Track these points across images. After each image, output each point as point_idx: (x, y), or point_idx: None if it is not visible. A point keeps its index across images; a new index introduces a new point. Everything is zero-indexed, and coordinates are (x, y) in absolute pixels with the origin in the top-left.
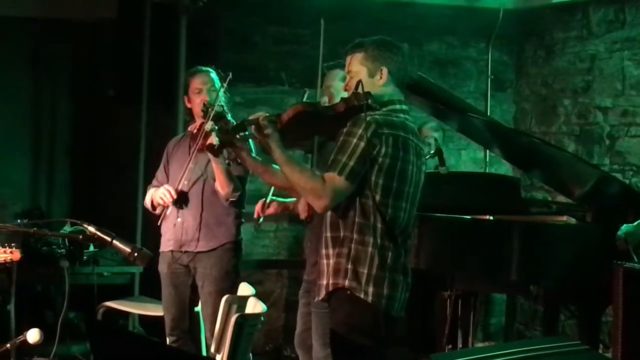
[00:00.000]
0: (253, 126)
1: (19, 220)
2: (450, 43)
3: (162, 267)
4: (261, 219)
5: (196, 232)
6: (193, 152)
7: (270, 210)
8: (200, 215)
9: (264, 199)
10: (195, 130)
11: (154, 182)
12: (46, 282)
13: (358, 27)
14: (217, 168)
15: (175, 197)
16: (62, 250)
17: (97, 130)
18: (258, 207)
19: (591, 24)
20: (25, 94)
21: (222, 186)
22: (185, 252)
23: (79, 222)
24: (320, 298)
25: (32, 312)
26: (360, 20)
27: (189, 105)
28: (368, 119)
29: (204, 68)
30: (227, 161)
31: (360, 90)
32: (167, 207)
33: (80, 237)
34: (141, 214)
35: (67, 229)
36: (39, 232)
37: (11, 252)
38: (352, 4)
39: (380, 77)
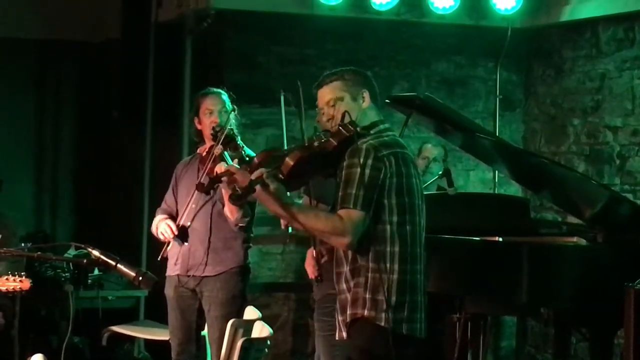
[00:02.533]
0: (259, 185)
1: (23, 244)
2: (458, 62)
3: (169, 291)
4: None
5: (204, 257)
6: (202, 176)
7: (310, 263)
8: (209, 239)
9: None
10: (204, 153)
11: (163, 204)
12: (50, 306)
13: (364, 47)
14: (226, 194)
15: (175, 233)
16: (66, 274)
17: (102, 152)
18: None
19: (600, 42)
20: (30, 115)
21: (231, 212)
22: (192, 276)
23: (83, 245)
24: (344, 334)
25: (36, 336)
26: (367, 41)
27: (198, 127)
28: (364, 145)
29: (215, 89)
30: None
31: (346, 121)
32: (169, 243)
33: (85, 261)
34: (146, 236)
35: (72, 252)
36: (43, 256)
37: (21, 281)
38: (358, 24)
39: (364, 100)
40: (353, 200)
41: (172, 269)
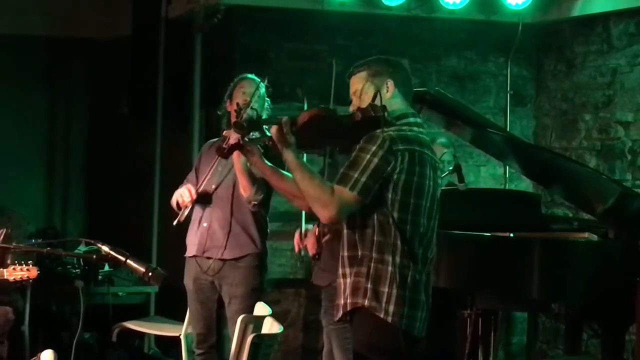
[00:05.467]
0: (274, 126)
1: (33, 240)
2: (468, 58)
3: (188, 282)
4: (302, 252)
5: (223, 240)
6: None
7: (311, 240)
8: (230, 223)
9: (299, 229)
10: None
11: (184, 182)
12: (61, 302)
13: (375, 42)
14: (237, 169)
15: (194, 197)
16: (76, 270)
17: (112, 149)
18: (296, 240)
19: (612, 37)
20: (40, 112)
21: (244, 188)
22: (209, 258)
23: (93, 241)
24: (337, 318)
25: (46, 332)
26: (377, 36)
27: (229, 109)
28: (382, 134)
29: (251, 76)
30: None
31: (377, 102)
32: (186, 207)
33: (94, 257)
34: (156, 232)
35: (82, 248)
36: (53, 252)
37: (28, 270)
38: (368, 19)
39: (387, 90)
40: (352, 183)
41: (189, 250)
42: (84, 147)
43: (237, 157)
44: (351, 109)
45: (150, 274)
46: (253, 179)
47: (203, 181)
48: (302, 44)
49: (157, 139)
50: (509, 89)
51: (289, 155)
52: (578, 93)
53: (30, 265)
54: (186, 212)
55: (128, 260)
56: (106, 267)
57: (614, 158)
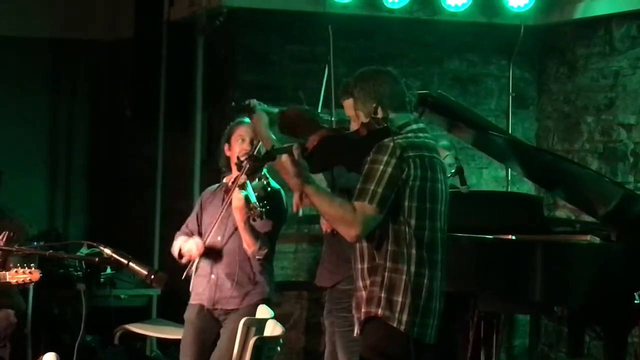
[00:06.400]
0: (285, 155)
1: (35, 243)
2: (470, 60)
3: (190, 315)
4: (300, 211)
5: (232, 291)
6: (225, 205)
7: (308, 202)
8: (238, 275)
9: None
10: (230, 183)
11: (184, 228)
12: (63, 305)
13: (377, 45)
14: (240, 226)
15: (201, 252)
16: (78, 273)
17: (114, 150)
18: (296, 199)
19: (614, 39)
20: (43, 114)
21: (247, 244)
22: (220, 309)
23: (95, 244)
24: (357, 331)
25: (48, 335)
26: (379, 39)
27: (227, 154)
28: (391, 143)
29: (248, 120)
30: (253, 219)
31: (378, 115)
32: (193, 261)
33: (97, 259)
34: (159, 235)
35: (84, 251)
36: (55, 255)
37: (30, 273)
38: (370, 21)
39: (378, 114)
40: (370, 196)
41: (196, 299)
42: (86, 149)
43: (240, 214)
44: (352, 128)
45: (152, 276)
46: (256, 234)
47: (209, 234)
48: (304, 47)
49: (159, 140)
50: (510, 91)
51: (305, 180)
52: (580, 95)
53: (33, 268)
54: (194, 266)
55: (130, 263)
56: (108, 270)
57: (616, 160)
